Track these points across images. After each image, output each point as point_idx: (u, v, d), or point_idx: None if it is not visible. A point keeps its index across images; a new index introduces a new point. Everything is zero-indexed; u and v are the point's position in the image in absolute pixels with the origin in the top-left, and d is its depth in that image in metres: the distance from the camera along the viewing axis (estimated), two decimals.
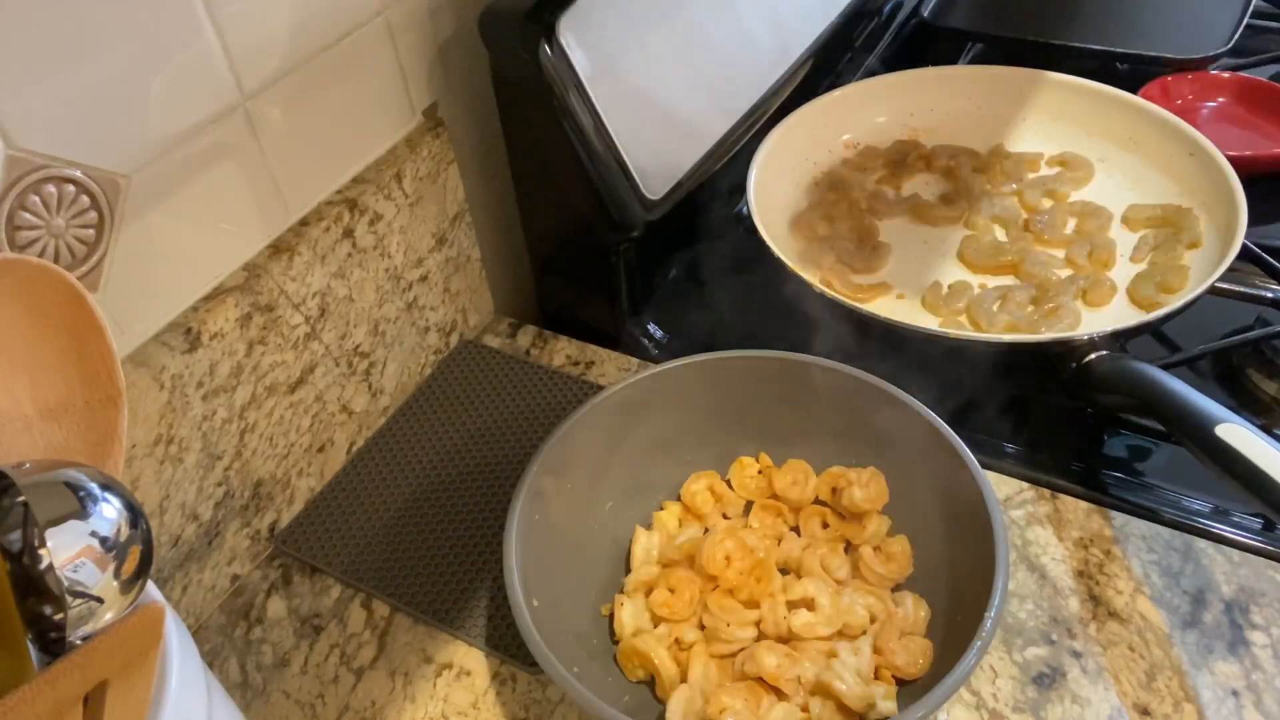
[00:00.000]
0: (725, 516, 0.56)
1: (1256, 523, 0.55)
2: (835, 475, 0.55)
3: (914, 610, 0.49)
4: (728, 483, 0.57)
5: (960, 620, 0.46)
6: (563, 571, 0.50)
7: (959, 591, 0.48)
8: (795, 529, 0.55)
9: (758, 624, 0.49)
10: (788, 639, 0.49)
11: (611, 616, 0.51)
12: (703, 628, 0.49)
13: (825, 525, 0.55)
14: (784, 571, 0.52)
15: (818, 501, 0.55)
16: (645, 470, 0.56)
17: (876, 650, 0.48)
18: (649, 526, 0.55)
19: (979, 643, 0.42)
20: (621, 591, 0.52)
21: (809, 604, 0.49)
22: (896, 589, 0.51)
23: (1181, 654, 0.49)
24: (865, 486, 0.53)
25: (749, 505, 0.56)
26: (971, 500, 0.48)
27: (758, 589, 0.49)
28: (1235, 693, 0.47)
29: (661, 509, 0.56)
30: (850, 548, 0.53)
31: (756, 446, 0.58)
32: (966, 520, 0.48)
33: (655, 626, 0.50)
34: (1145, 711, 0.47)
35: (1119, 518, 0.55)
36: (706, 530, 0.54)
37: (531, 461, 0.51)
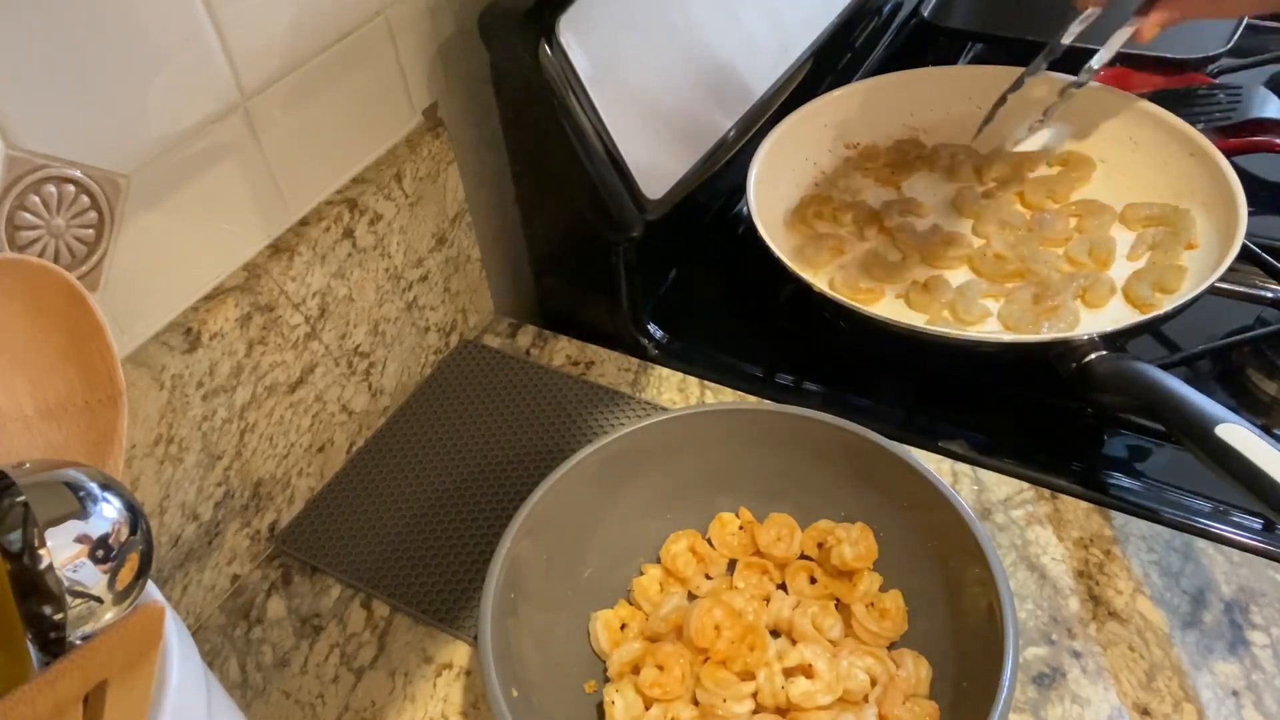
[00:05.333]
0: (708, 576, 0.54)
1: (1256, 523, 0.55)
2: (822, 531, 0.53)
3: (915, 670, 0.47)
4: (708, 541, 0.55)
5: (966, 687, 0.45)
6: (542, 654, 0.48)
7: (961, 646, 0.47)
8: (782, 585, 0.53)
9: (754, 695, 0.47)
10: (786, 709, 0.46)
11: (597, 692, 0.49)
12: (697, 703, 0.47)
13: (813, 579, 0.52)
14: (775, 633, 0.50)
15: (803, 556, 0.54)
16: (622, 533, 0.54)
17: (881, 718, 0.46)
18: (629, 592, 0.53)
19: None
20: (606, 677, 0.49)
21: (806, 670, 0.47)
22: (892, 647, 0.49)
23: (1181, 654, 0.49)
24: (855, 544, 0.51)
25: (733, 562, 0.54)
26: (967, 551, 0.47)
27: (751, 658, 0.47)
28: (1235, 693, 0.47)
29: (641, 573, 0.53)
30: (840, 604, 0.51)
31: (735, 500, 0.55)
32: (963, 572, 0.47)
33: (647, 708, 0.47)
34: (1145, 711, 0.47)
35: (1119, 518, 0.55)
36: (690, 594, 0.53)
37: (505, 536, 0.49)
